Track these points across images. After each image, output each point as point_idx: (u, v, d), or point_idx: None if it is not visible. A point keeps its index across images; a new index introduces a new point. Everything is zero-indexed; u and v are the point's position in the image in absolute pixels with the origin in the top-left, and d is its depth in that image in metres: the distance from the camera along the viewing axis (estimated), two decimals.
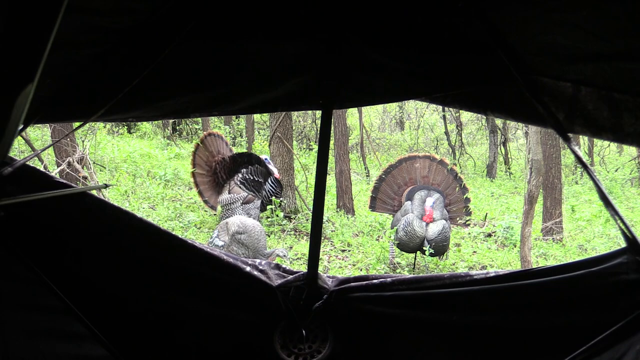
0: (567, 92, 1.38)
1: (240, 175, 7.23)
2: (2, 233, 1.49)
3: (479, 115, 12.84)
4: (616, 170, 13.62)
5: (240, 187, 7.15)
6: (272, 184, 7.24)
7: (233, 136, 14.60)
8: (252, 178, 7.17)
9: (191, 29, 1.40)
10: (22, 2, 0.70)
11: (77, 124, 1.69)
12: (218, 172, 7.45)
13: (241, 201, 7.03)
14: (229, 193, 7.17)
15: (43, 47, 0.73)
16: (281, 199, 7.37)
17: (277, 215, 7.30)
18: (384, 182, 6.84)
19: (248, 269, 1.73)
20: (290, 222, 7.50)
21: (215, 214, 7.46)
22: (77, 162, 6.50)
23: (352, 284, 1.74)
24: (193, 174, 7.36)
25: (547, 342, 1.57)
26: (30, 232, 1.57)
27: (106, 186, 1.86)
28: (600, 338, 1.43)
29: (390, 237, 6.24)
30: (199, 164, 7.40)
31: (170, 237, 1.71)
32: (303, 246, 6.70)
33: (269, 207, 7.19)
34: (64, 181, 1.64)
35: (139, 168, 9.24)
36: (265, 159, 7.36)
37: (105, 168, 8.63)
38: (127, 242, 1.68)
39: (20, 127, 1.62)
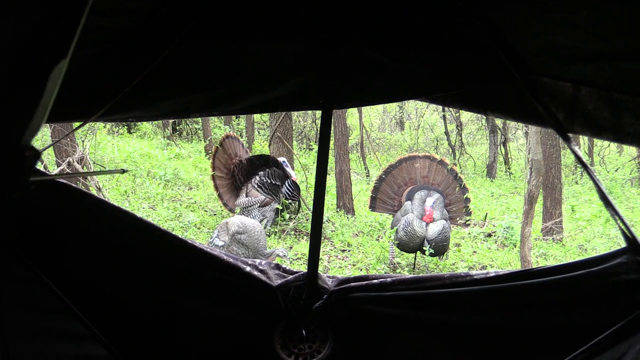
0: (567, 92, 1.38)
1: (257, 178, 7.27)
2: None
3: (479, 115, 12.84)
4: (616, 170, 13.62)
5: (257, 190, 7.18)
6: (289, 187, 7.24)
7: None
8: (269, 181, 7.21)
9: (191, 29, 1.40)
10: (132, 10, 0.73)
11: (77, 124, 1.69)
12: (236, 174, 7.48)
13: (258, 204, 7.08)
14: (247, 196, 7.22)
15: (76, 24, 0.76)
16: (290, 201, 7.34)
17: (284, 217, 7.28)
18: (384, 182, 6.84)
19: (248, 269, 1.73)
20: (291, 222, 7.50)
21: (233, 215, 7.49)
22: (77, 162, 6.49)
23: (352, 284, 1.74)
24: (213, 177, 7.38)
25: (547, 342, 1.57)
26: (30, 232, 1.57)
27: (124, 171, 1.84)
28: (600, 338, 1.43)
29: (390, 237, 6.24)
30: (218, 167, 7.44)
31: (170, 237, 1.71)
32: (303, 246, 6.70)
33: (276, 206, 7.19)
34: (64, 181, 1.64)
35: (139, 168, 9.24)
36: (283, 161, 7.35)
37: (105, 168, 8.63)
38: (127, 242, 1.68)
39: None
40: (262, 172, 7.30)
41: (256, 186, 7.24)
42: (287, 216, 7.29)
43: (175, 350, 1.76)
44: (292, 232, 7.27)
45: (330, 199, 8.67)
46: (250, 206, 7.10)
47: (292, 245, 6.83)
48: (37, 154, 0.95)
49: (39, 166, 5.61)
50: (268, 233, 7.02)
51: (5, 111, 0.75)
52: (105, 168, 8.63)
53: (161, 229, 1.72)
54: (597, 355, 1.44)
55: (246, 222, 5.19)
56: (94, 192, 5.80)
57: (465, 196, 6.54)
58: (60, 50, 0.76)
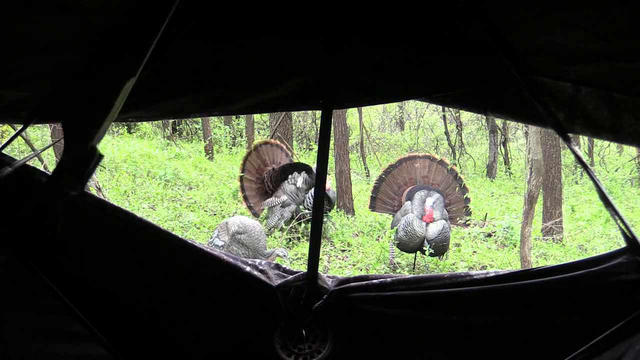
0: (567, 92, 1.38)
1: (286, 181, 7.26)
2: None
3: (479, 115, 12.84)
4: (616, 170, 13.61)
5: (282, 191, 7.20)
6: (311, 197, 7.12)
7: (233, 136, 14.59)
8: (294, 183, 7.16)
9: (191, 29, 1.40)
10: (130, 10, 0.78)
11: None
12: (266, 181, 7.48)
13: (280, 204, 7.13)
14: (274, 197, 7.29)
15: (146, 49, 0.84)
16: (308, 211, 7.18)
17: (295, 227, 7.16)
18: (384, 182, 6.84)
19: (248, 269, 1.73)
20: (291, 222, 7.50)
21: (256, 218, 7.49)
22: None
23: (352, 284, 1.74)
24: (241, 179, 7.38)
25: (547, 342, 1.57)
26: (30, 232, 1.57)
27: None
28: (600, 338, 1.43)
29: (390, 237, 6.24)
30: (248, 169, 7.45)
31: (170, 237, 1.71)
32: (303, 246, 6.70)
33: (292, 209, 7.14)
34: None
35: (139, 168, 9.23)
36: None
37: (105, 168, 8.63)
38: (127, 242, 1.68)
39: (21, 127, 1.62)
40: (290, 176, 7.29)
41: (282, 188, 7.25)
42: (301, 226, 7.18)
43: (175, 350, 1.76)
44: (292, 232, 7.25)
45: None
46: (274, 206, 7.14)
47: (291, 245, 6.83)
48: (101, 156, 1.05)
49: (39, 166, 5.61)
50: (267, 233, 6.99)
51: (81, 120, 0.85)
52: (105, 168, 8.62)
53: (161, 229, 1.72)
54: (597, 355, 1.44)
55: (246, 222, 5.18)
56: (94, 192, 5.79)
57: (465, 196, 6.54)
58: (130, 70, 0.84)
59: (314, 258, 1.74)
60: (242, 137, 14.72)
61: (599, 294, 1.51)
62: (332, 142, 8.62)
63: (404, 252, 6.34)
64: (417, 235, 5.85)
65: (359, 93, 1.72)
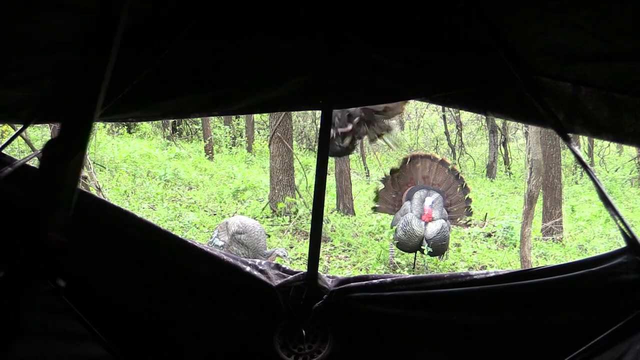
0: (567, 92, 1.38)
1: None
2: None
3: (479, 115, 12.83)
4: (616, 170, 13.62)
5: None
6: None
7: (233, 136, 14.59)
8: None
9: (191, 29, 1.40)
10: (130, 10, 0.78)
11: None
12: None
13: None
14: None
15: (89, 125, 0.86)
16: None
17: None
18: (386, 183, 6.84)
19: (248, 269, 1.73)
20: (290, 222, 7.49)
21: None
22: None
23: (352, 284, 1.74)
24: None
25: (547, 342, 1.57)
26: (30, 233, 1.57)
27: None
28: (601, 338, 1.43)
29: (389, 237, 6.24)
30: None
31: (170, 237, 1.71)
32: (303, 246, 6.70)
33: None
34: None
35: (139, 168, 9.23)
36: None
37: (105, 168, 8.63)
38: (127, 242, 1.68)
39: (21, 127, 1.62)
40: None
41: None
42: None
43: (175, 350, 1.76)
44: (293, 232, 7.26)
45: (330, 199, 8.66)
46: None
47: (292, 245, 6.83)
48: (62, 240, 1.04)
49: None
50: (268, 233, 6.99)
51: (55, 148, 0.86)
52: (105, 168, 8.62)
53: (161, 229, 1.72)
54: (598, 355, 1.44)
55: (246, 222, 5.18)
56: (93, 192, 5.79)
57: (466, 196, 6.54)
58: (80, 146, 0.86)
59: (314, 258, 1.74)
60: (242, 137, 14.73)
61: (599, 294, 1.51)
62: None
63: (403, 252, 6.34)
64: (416, 235, 5.85)
65: (359, 93, 1.72)
